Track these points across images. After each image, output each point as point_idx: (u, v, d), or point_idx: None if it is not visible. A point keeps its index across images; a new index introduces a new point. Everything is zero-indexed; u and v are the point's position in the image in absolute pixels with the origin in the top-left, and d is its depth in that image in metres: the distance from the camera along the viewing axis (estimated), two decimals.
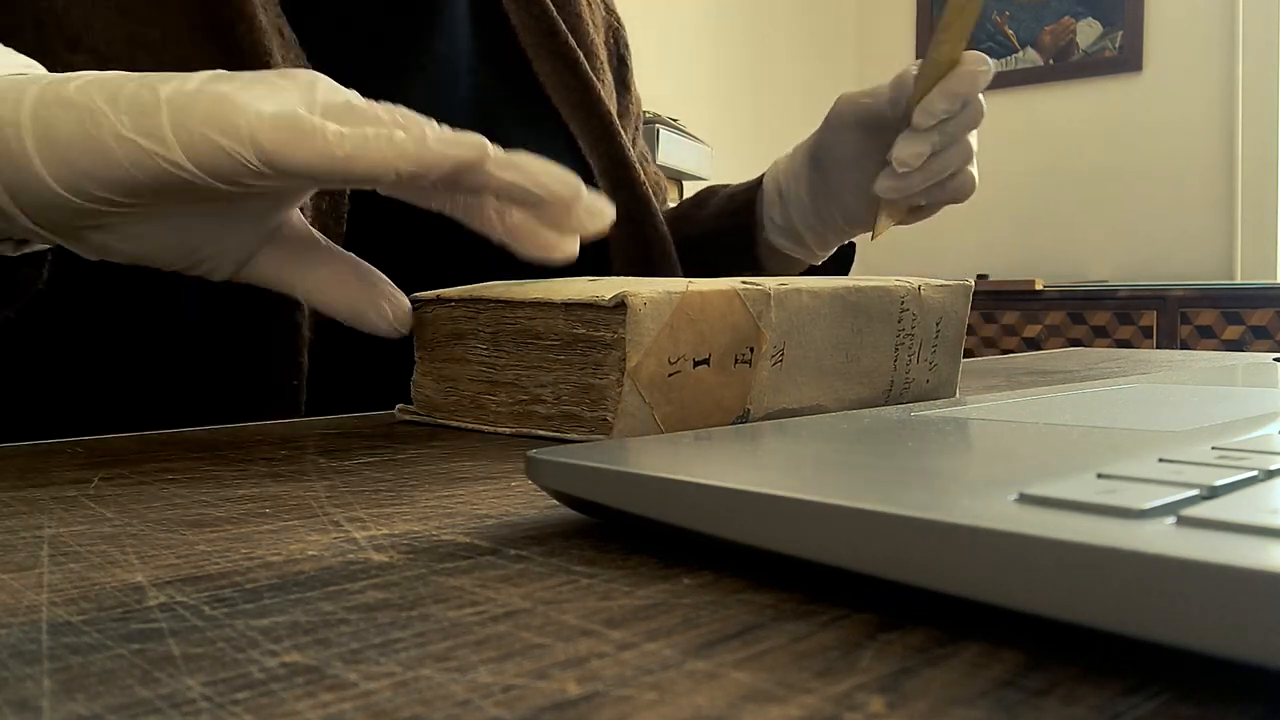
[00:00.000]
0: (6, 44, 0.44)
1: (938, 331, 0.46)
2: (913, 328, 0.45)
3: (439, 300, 0.41)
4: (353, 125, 0.32)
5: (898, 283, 0.44)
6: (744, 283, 0.39)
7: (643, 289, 0.36)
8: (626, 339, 0.35)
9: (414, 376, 0.42)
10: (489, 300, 0.39)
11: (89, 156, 0.32)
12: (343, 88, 0.36)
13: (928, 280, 0.46)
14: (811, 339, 0.41)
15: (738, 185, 0.82)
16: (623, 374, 0.35)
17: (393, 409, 0.45)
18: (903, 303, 0.44)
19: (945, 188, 0.63)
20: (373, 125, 0.33)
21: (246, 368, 0.49)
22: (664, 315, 0.36)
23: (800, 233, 0.73)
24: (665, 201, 0.92)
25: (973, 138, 0.62)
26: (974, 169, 0.64)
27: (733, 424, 0.39)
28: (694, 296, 0.37)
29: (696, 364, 0.38)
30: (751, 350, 0.39)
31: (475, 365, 0.40)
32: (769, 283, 0.39)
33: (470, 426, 0.40)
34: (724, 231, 0.78)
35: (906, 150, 0.59)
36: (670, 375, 0.37)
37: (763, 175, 0.79)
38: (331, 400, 0.51)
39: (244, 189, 0.32)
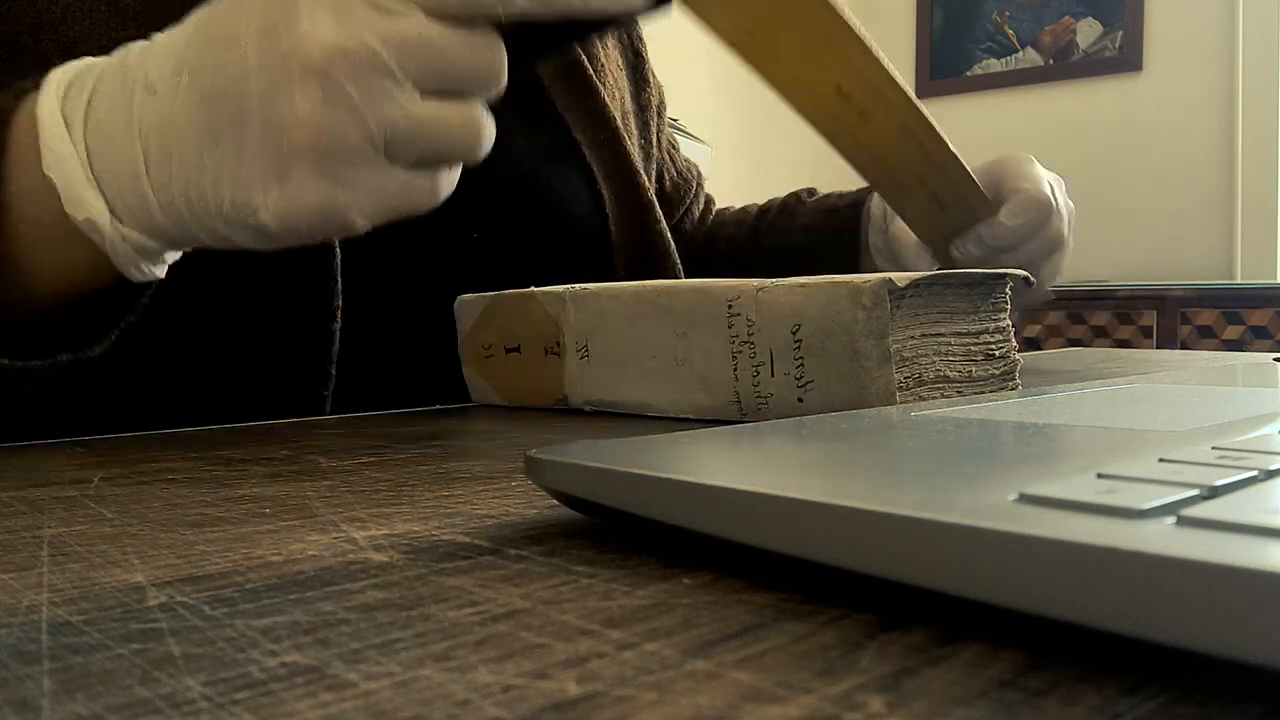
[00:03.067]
0: (2, 52, 0.45)
1: (798, 341, 0.38)
2: (749, 334, 0.39)
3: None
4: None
5: (729, 284, 0.40)
6: (545, 290, 0.47)
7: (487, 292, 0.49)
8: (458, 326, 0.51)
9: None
10: None
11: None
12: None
13: (783, 280, 0.39)
14: (620, 338, 0.43)
15: (838, 198, 0.80)
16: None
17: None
18: (730, 305, 0.39)
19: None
20: None
21: (276, 377, 0.49)
22: (476, 311, 0.50)
23: (904, 263, 0.74)
24: (700, 188, 0.90)
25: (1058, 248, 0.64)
26: (1055, 269, 0.65)
27: (555, 408, 0.47)
28: (503, 296, 0.48)
29: (508, 350, 0.48)
30: (559, 344, 0.46)
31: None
32: (569, 287, 0.46)
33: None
34: (823, 244, 0.77)
35: (961, 252, 0.61)
36: (487, 357, 0.49)
37: (867, 192, 0.77)
38: (354, 409, 0.51)
39: None
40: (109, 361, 0.41)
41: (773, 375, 0.39)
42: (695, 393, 0.41)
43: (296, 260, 0.50)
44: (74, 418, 0.44)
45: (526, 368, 0.48)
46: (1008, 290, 0.41)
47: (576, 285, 0.46)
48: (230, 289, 0.48)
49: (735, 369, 0.40)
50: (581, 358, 0.45)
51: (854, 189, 0.80)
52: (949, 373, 0.39)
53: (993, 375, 0.41)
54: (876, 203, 0.74)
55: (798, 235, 0.80)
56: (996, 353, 0.41)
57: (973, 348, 0.40)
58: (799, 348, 0.38)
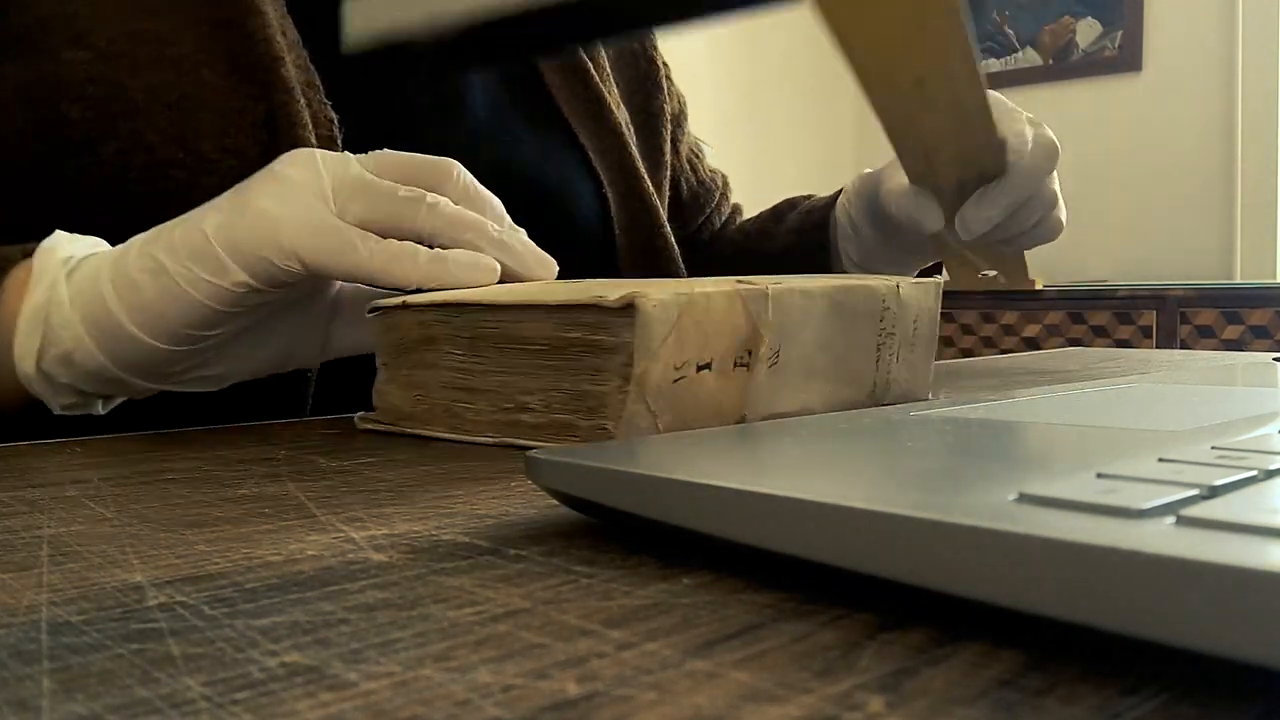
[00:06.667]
0: (11, 45, 0.46)
1: (914, 329, 0.45)
2: (893, 327, 0.44)
3: (404, 306, 0.38)
4: (369, 205, 0.38)
5: (880, 281, 0.43)
6: (740, 282, 0.37)
7: (650, 290, 0.34)
8: (635, 343, 0.33)
9: (376, 384, 0.40)
10: (466, 304, 0.37)
11: (171, 304, 0.38)
12: (347, 155, 0.40)
13: (905, 279, 0.45)
14: (804, 340, 0.39)
15: (815, 201, 0.82)
16: (626, 380, 0.33)
17: None
18: (884, 301, 0.43)
19: (1027, 235, 0.60)
20: (394, 209, 0.38)
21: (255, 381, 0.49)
22: (672, 318, 0.35)
23: (875, 269, 0.73)
24: (725, 198, 0.90)
25: (1055, 181, 0.59)
26: (1061, 213, 0.60)
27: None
28: (699, 298, 0.35)
29: (700, 368, 0.36)
30: (750, 353, 0.37)
31: (448, 372, 0.37)
32: (764, 281, 0.38)
33: (443, 436, 0.38)
34: (799, 251, 0.78)
35: (974, 216, 0.56)
36: (675, 381, 0.35)
37: (838, 193, 0.78)
38: (336, 406, 0.51)
39: (289, 288, 0.39)
40: None
41: (897, 362, 0.44)
42: (843, 388, 0.41)
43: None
44: (68, 418, 0.44)
45: (708, 386, 0.36)
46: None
47: (765, 279, 0.39)
48: None
49: (877, 360, 0.43)
50: (771, 365, 0.38)
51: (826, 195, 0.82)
52: None
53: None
54: (841, 215, 0.76)
55: (783, 238, 0.82)
56: None
57: None
58: (914, 335, 0.45)
